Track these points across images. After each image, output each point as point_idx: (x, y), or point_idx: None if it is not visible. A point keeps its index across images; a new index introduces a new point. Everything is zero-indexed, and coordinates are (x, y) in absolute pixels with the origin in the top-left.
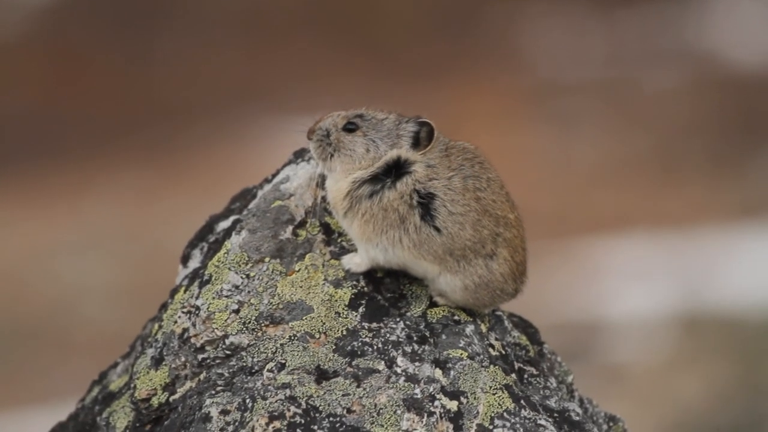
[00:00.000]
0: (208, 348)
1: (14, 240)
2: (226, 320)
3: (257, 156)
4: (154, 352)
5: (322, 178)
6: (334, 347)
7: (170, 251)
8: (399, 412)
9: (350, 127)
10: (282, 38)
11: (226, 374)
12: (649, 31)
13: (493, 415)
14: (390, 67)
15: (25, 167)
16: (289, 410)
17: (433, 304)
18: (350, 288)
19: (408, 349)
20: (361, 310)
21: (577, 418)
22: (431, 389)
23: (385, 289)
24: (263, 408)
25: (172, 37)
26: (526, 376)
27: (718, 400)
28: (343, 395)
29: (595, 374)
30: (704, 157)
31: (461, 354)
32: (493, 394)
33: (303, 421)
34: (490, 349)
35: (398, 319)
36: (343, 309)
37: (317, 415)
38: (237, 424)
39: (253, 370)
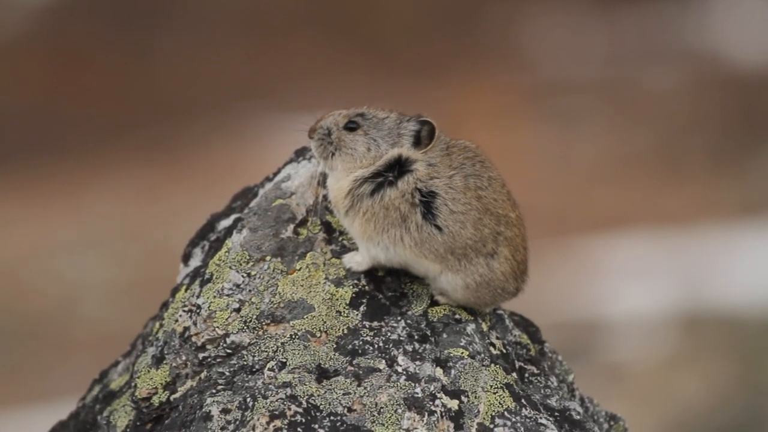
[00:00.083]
0: (209, 347)
1: (15, 238)
2: (227, 319)
3: (258, 154)
4: (155, 351)
5: (324, 177)
6: (335, 346)
7: (171, 250)
8: (400, 411)
9: (351, 126)
10: (282, 37)
11: (227, 373)
12: (650, 30)
13: (493, 414)
14: (391, 66)
15: (26, 166)
16: (289, 409)
17: (434, 303)
18: (351, 287)
19: (409, 347)
20: (362, 308)
21: (578, 417)
22: (432, 388)
23: (386, 288)
24: (264, 407)
25: (173, 36)
26: (526, 375)
27: (718, 399)
28: (343, 394)
29: (596, 373)
30: (705, 156)
31: (462, 353)
32: (494, 393)
33: (304, 420)
34: (491, 348)
35: (399, 318)
36: (344, 308)
37: (318, 414)
38: (238, 422)
39: (254, 369)
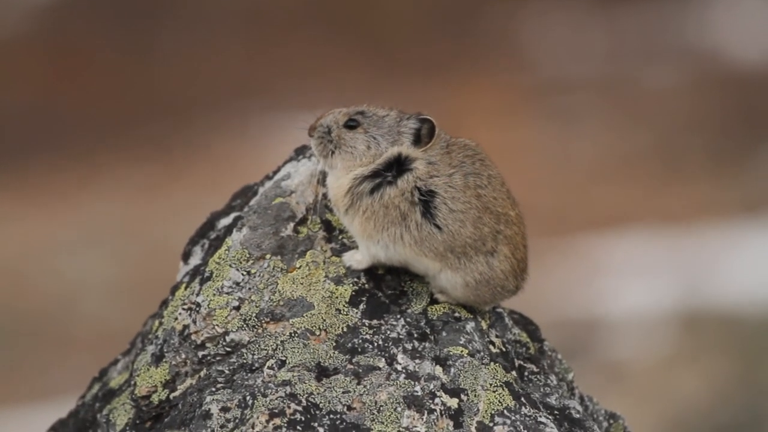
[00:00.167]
0: (208, 345)
1: (14, 237)
2: (226, 317)
3: (258, 153)
4: (154, 349)
5: (323, 175)
6: (334, 344)
7: (171, 248)
8: (399, 409)
9: (351, 124)
10: (282, 35)
11: (227, 371)
12: (650, 28)
13: (493, 412)
14: (391, 64)
15: (26, 164)
16: (289, 407)
17: (433, 301)
18: (351, 285)
19: (408, 346)
20: (361, 307)
21: (578, 416)
22: (432, 386)
23: (386, 286)
24: (263, 405)
25: (173, 35)
26: (526, 373)
27: (718, 398)
28: (343, 392)
29: (596, 371)
30: (705, 155)
31: (462, 351)
32: (494, 392)
33: (303, 419)
34: (491, 347)
35: (399, 316)
36: (344, 306)
37: (317, 412)
38: (237, 421)
39: (254, 367)
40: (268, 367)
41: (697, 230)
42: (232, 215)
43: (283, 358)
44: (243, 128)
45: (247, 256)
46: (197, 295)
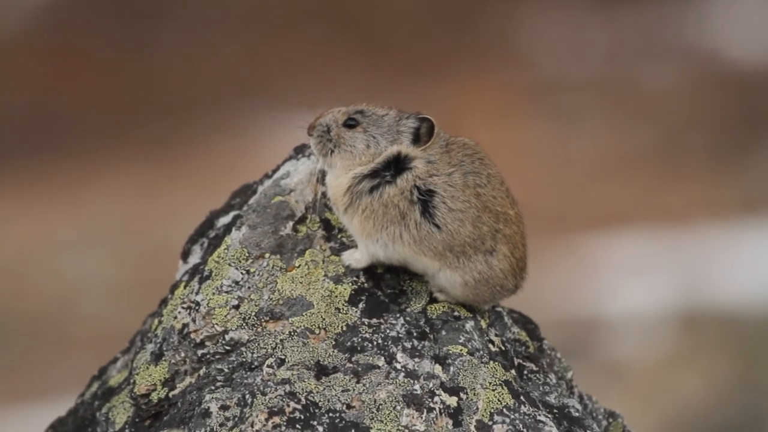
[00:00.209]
0: (207, 343)
1: (14, 236)
2: (225, 316)
3: (257, 152)
4: (153, 348)
5: (323, 174)
6: (333, 343)
7: (170, 247)
8: (398, 407)
9: (351, 123)
10: (282, 34)
11: (226, 370)
12: (650, 28)
13: (492, 411)
14: (390, 63)
15: (25, 164)
16: (288, 406)
17: (433, 300)
18: (350, 284)
19: (408, 345)
20: (361, 305)
21: (577, 414)
22: (431, 385)
23: (386, 285)
24: (263, 403)
25: (172, 34)
26: (525, 372)
27: (717, 397)
28: (342, 391)
29: (595, 370)
30: (704, 154)
31: (461, 350)
32: (493, 390)
33: (302, 417)
34: (490, 345)
35: (398, 315)
36: (343, 305)
37: (317, 410)
38: (236, 419)
39: (253, 366)
40: (268, 366)
41: (696, 229)
42: (232, 214)
43: (283, 357)
44: (243, 128)
45: (247, 254)
46: (196, 293)
